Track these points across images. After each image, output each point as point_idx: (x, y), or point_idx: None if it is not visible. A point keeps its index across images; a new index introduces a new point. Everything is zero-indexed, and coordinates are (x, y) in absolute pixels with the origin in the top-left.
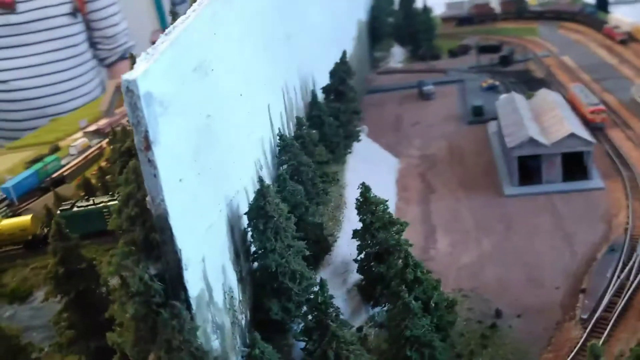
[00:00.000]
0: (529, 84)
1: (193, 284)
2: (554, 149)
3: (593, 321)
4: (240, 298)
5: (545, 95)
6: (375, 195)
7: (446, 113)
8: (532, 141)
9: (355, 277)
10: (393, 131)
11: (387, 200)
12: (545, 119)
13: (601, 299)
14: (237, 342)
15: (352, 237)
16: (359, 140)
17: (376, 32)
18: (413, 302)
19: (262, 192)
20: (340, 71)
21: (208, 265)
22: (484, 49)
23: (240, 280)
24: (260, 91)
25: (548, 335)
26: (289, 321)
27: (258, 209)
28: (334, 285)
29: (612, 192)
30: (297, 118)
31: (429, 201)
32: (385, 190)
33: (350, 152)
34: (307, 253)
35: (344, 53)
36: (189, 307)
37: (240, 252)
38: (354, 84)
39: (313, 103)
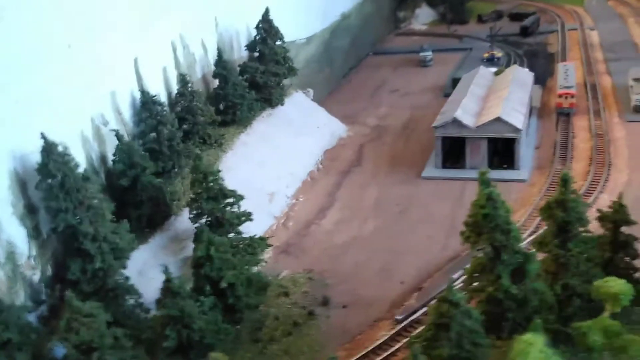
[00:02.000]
0: (534, 59)
1: None
2: (479, 133)
3: (403, 324)
4: (35, 254)
5: (510, 73)
6: (208, 165)
7: (432, 83)
8: (456, 122)
9: None
10: (367, 97)
11: (220, 171)
12: (490, 99)
13: (430, 300)
14: (18, 295)
15: (186, 206)
16: (282, 104)
17: None
18: (173, 280)
19: (45, 150)
20: (262, 30)
21: None
22: (515, 16)
23: (35, 236)
24: (119, 44)
25: (357, 332)
26: (85, 282)
27: (42, 166)
28: (170, 251)
29: (533, 186)
30: (180, 75)
31: (348, 174)
32: (303, 158)
33: (257, 116)
34: (111, 216)
35: (267, 10)
36: None
37: (38, 209)
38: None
39: (218, 61)
